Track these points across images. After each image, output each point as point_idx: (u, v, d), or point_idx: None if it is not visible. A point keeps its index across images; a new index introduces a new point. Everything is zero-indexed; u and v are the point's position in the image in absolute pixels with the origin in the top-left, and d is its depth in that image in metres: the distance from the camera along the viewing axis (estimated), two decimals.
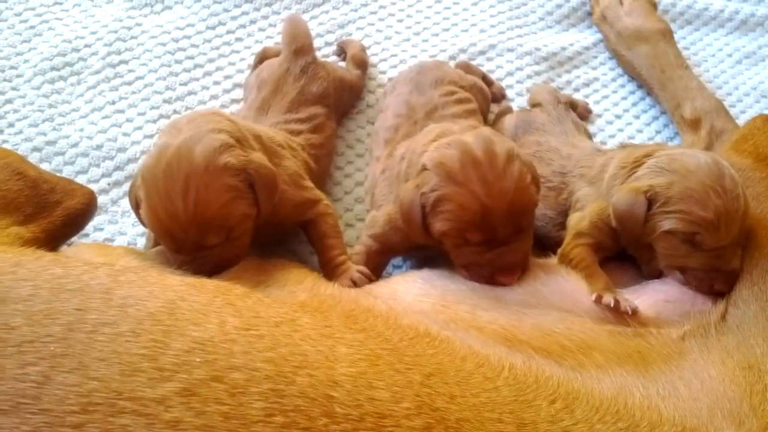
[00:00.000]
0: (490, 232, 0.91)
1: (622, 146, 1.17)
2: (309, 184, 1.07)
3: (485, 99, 1.33)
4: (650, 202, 0.92)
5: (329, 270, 1.03)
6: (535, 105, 1.32)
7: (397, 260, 1.16)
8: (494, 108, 1.39)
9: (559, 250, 1.01)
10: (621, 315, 0.88)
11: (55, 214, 0.98)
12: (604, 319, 0.89)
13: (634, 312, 0.88)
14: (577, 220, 1.02)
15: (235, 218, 0.91)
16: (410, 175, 0.98)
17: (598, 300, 0.89)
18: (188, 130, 0.91)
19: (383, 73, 1.46)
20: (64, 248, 1.03)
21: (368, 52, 1.48)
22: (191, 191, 0.86)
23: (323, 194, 1.09)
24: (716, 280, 0.91)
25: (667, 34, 1.46)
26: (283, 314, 0.68)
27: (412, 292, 0.94)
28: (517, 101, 1.42)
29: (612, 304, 0.88)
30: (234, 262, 0.93)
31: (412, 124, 1.16)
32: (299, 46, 1.25)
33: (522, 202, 0.91)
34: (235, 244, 0.93)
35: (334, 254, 1.04)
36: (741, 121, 1.37)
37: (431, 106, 1.17)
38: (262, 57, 1.36)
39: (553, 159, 1.13)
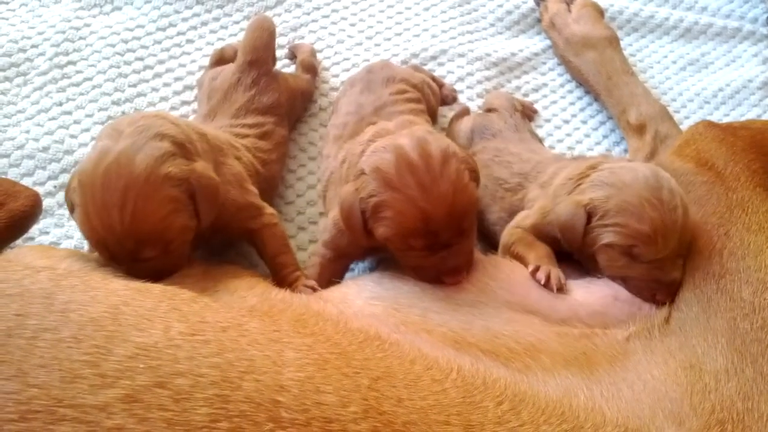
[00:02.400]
0: (431, 237, 0.91)
1: (576, 158, 1.19)
2: (253, 189, 1.05)
3: (435, 97, 1.35)
4: (590, 215, 0.93)
5: (283, 287, 1.00)
6: (490, 110, 1.33)
7: None
8: (446, 111, 1.40)
9: (500, 240, 1.04)
10: (549, 289, 0.91)
11: None
12: (551, 318, 0.90)
13: (560, 290, 0.91)
14: (522, 217, 1.04)
15: (174, 231, 0.88)
16: (350, 178, 0.97)
17: (533, 273, 0.92)
18: (130, 134, 0.88)
19: (336, 76, 1.45)
20: (6, 251, 1.01)
21: (320, 55, 1.48)
22: (129, 203, 0.83)
23: (267, 204, 1.07)
24: (658, 291, 0.92)
25: (614, 41, 1.49)
26: (230, 319, 0.68)
27: (363, 295, 0.94)
28: (468, 105, 1.43)
29: (543, 281, 0.90)
30: (171, 272, 0.90)
31: (359, 121, 1.15)
32: (254, 58, 1.22)
33: (462, 204, 0.91)
34: (172, 256, 0.90)
35: (286, 272, 1.03)
36: (685, 126, 1.39)
37: (380, 103, 1.17)
38: (219, 57, 1.35)
39: (512, 162, 1.14)
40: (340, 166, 1.06)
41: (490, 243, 1.16)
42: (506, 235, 1.03)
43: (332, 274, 1.06)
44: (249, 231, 1.04)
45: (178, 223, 0.88)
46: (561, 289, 0.91)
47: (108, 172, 0.84)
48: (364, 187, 0.92)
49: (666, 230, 0.89)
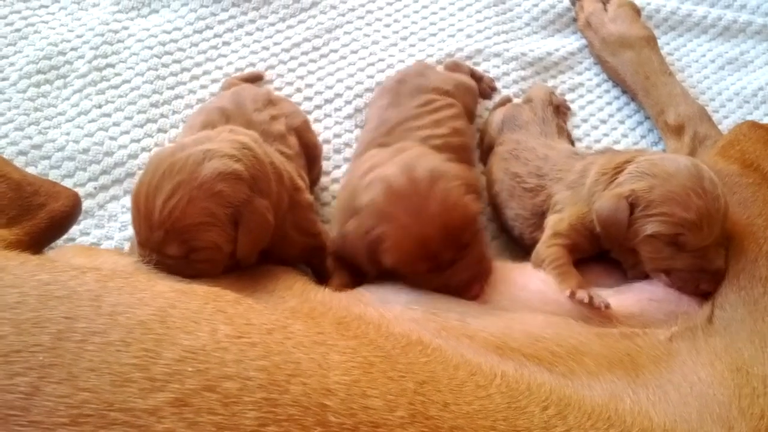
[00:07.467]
0: (434, 259, 0.92)
1: (602, 151, 1.18)
2: (323, 228, 1.09)
3: (473, 96, 1.33)
4: (632, 207, 0.92)
5: None
6: (527, 101, 1.32)
7: None
8: (481, 110, 1.40)
9: (535, 250, 1.02)
10: (596, 310, 0.89)
11: (39, 217, 0.96)
12: (588, 322, 0.89)
13: (607, 307, 0.89)
14: (556, 222, 1.02)
15: (202, 242, 0.88)
16: (350, 210, 0.99)
17: (572, 296, 0.90)
18: (217, 141, 0.91)
19: (371, 77, 1.45)
20: (47, 251, 1.02)
21: (355, 56, 1.48)
22: (174, 198, 0.86)
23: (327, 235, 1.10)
24: (702, 280, 0.92)
25: (651, 41, 1.47)
26: (275, 321, 0.68)
27: (401, 299, 0.94)
28: (509, 95, 1.42)
29: (586, 300, 0.89)
30: (193, 277, 0.90)
31: (372, 140, 1.16)
32: None
33: (456, 221, 0.92)
34: (194, 266, 0.90)
35: None
36: (723, 126, 1.38)
37: (401, 118, 1.17)
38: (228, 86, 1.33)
39: (529, 159, 1.14)
40: (342, 191, 1.09)
41: (510, 237, 1.17)
42: (543, 248, 1.00)
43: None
44: (309, 263, 1.09)
45: (208, 238, 0.88)
46: (608, 306, 0.89)
47: (175, 163, 0.88)
48: (363, 223, 0.94)
49: (710, 218, 0.89)
